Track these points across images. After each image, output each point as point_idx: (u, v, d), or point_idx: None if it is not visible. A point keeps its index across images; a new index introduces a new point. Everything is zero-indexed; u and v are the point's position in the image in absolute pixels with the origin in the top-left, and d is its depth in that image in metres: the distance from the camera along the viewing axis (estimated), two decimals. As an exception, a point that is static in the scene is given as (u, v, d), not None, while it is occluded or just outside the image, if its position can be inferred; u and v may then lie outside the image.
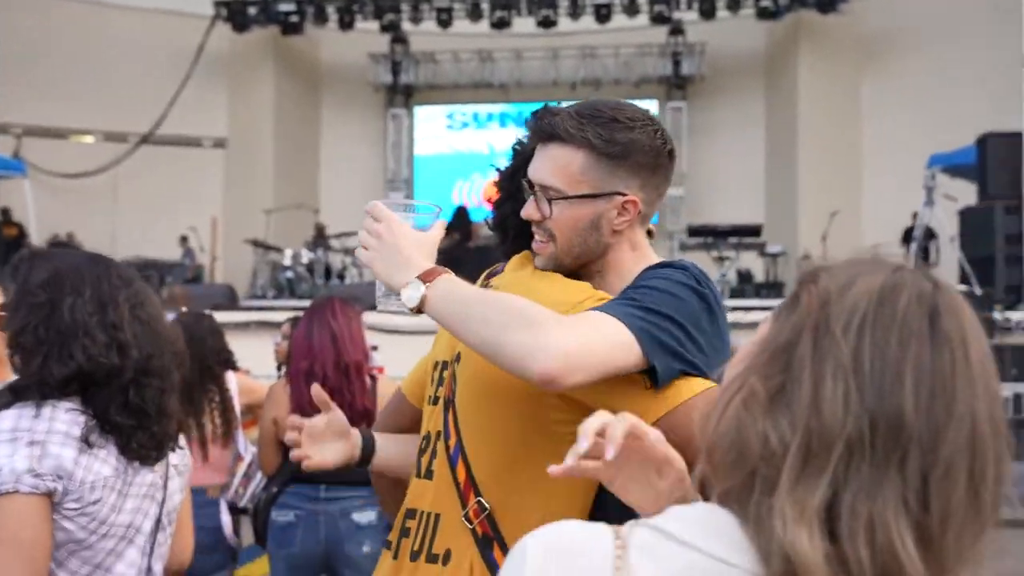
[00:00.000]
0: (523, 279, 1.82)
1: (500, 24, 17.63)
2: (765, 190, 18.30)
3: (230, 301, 13.51)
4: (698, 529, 0.93)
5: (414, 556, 1.73)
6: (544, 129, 1.76)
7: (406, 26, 18.22)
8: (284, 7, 17.87)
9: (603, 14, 17.44)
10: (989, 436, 0.92)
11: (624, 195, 1.74)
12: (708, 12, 17.39)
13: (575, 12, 17.49)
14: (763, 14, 17.39)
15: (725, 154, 18.38)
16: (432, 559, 1.70)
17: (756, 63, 18.78)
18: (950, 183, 13.89)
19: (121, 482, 1.91)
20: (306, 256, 14.61)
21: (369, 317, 10.43)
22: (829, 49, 17.32)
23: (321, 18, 18.00)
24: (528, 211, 1.79)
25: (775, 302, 7.76)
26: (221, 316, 10.63)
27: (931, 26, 16.54)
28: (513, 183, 1.94)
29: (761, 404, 0.94)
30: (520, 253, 1.94)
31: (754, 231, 15.31)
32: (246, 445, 4.35)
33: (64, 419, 1.85)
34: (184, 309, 5.53)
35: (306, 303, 6.44)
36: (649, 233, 1.88)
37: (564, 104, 1.84)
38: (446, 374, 1.85)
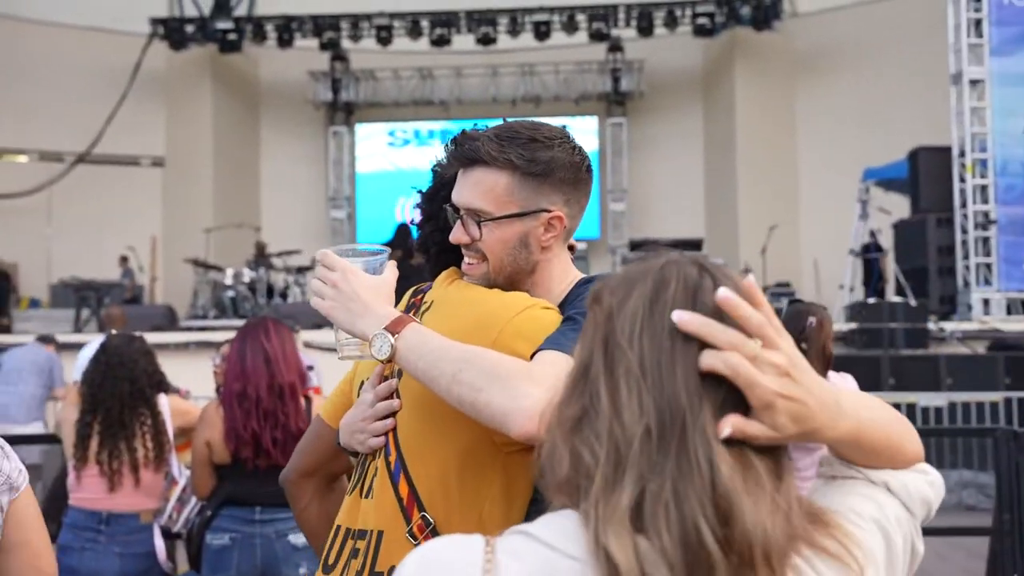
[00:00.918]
0: (461, 291, 1.83)
1: (440, 41, 17.65)
2: (705, 204, 18.50)
3: (170, 321, 13.30)
4: (558, 531, 1.00)
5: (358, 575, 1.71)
6: (466, 154, 1.78)
7: (346, 44, 18.16)
8: (222, 25, 17.72)
9: (542, 31, 17.55)
10: None
11: (550, 211, 1.78)
12: (646, 30, 17.59)
13: (515, 30, 17.58)
14: (700, 31, 17.62)
15: (665, 169, 18.56)
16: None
17: (694, 79, 19.01)
18: (884, 197, 14.17)
19: None
20: (248, 275, 14.42)
21: (308, 335, 10.34)
22: (764, 66, 17.60)
23: (259, 36, 17.87)
24: (456, 235, 1.81)
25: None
26: (161, 337, 10.52)
27: (862, 43, 16.90)
28: (433, 205, 1.97)
29: (570, 427, 1.01)
30: (446, 270, 1.94)
31: (695, 245, 15.44)
32: (180, 469, 4.26)
33: None
34: (113, 331, 5.43)
35: (244, 323, 6.34)
36: (571, 248, 1.90)
37: (487, 126, 1.86)
38: None
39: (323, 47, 18.09)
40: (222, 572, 3.81)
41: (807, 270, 15.97)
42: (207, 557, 3.85)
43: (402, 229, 15.20)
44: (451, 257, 1.95)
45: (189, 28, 17.87)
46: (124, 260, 15.89)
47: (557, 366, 1.52)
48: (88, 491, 4.04)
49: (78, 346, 9.20)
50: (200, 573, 3.95)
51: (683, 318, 1.00)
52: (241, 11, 18.52)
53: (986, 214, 12.27)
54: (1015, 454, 4.54)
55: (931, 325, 11.03)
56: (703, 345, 0.99)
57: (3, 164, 17.57)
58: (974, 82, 12.38)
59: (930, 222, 12.67)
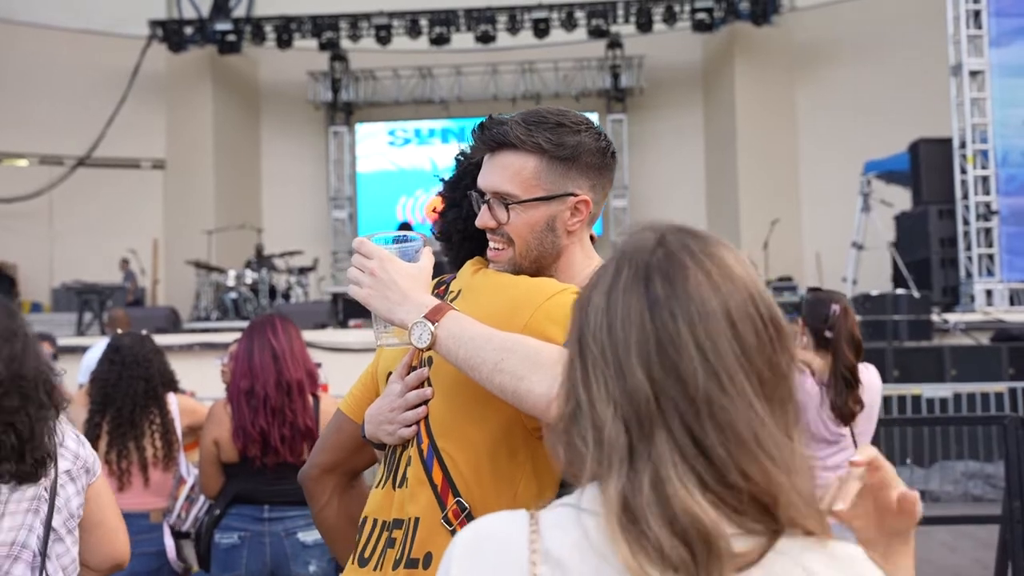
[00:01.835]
0: (490, 277, 1.84)
1: (439, 40, 17.64)
2: (706, 199, 18.49)
3: (173, 324, 13.30)
4: (594, 499, 1.00)
5: (395, 564, 1.72)
6: (494, 138, 1.79)
7: (345, 44, 18.16)
8: (221, 27, 17.71)
9: (541, 29, 17.54)
10: (711, 372, 0.97)
11: (576, 195, 1.79)
12: (645, 26, 17.58)
13: (514, 27, 17.57)
14: (699, 27, 17.61)
15: (666, 165, 18.56)
16: (411, 564, 1.69)
17: (693, 75, 19.00)
18: (885, 189, 14.16)
19: None
20: (250, 276, 14.42)
21: (311, 335, 10.34)
22: (764, 60, 17.58)
23: (259, 37, 17.87)
24: (483, 219, 1.81)
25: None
26: (164, 339, 10.52)
27: (862, 36, 16.89)
28: (456, 192, 1.96)
29: (565, 422, 1.03)
30: (470, 259, 1.94)
31: (696, 240, 15.46)
32: (188, 468, 4.26)
33: None
34: (119, 332, 5.43)
35: (248, 323, 6.34)
36: (591, 240, 1.91)
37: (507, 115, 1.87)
38: None
39: (322, 47, 18.09)
40: (231, 571, 3.81)
41: (809, 263, 15.96)
42: (216, 556, 3.84)
43: (404, 228, 15.26)
44: (474, 245, 1.95)
45: (188, 30, 17.87)
46: (125, 263, 15.89)
47: None
48: (97, 491, 4.05)
49: (81, 349, 9.22)
50: (209, 572, 3.95)
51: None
52: (240, 12, 18.52)
53: (988, 205, 12.26)
54: (1023, 441, 4.53)
55: (934, 317, 11.02)
56: (659, 337, 0.98)
57: (3, 168, 17.58)
58: (974, 73, 12.37)
59: (932, 214, 12.66)
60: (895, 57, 16.15)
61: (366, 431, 1.85)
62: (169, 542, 4.08)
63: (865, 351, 3.99)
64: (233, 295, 14.27)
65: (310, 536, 3.83)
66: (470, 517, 1.66)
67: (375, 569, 1.76)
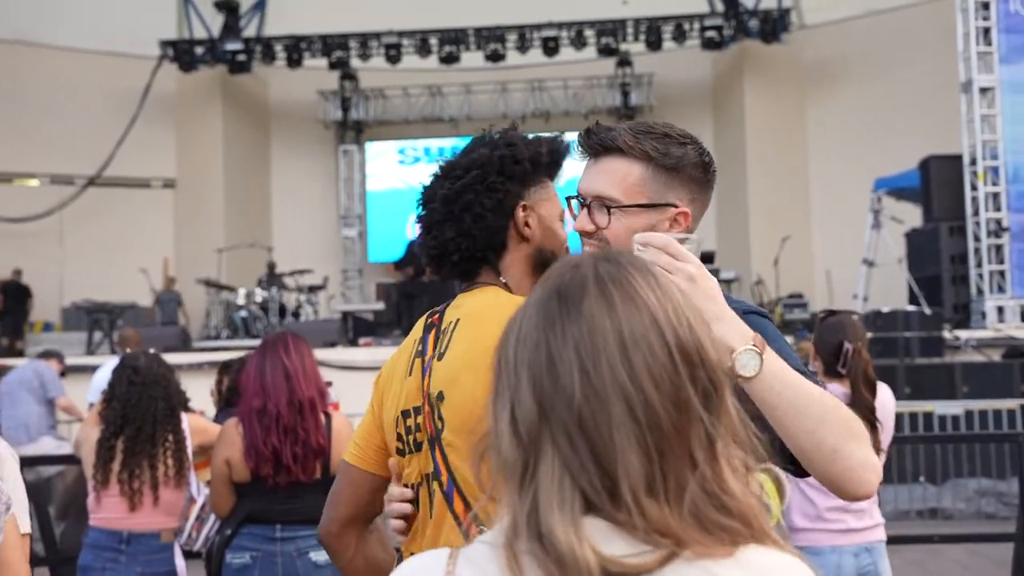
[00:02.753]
0: (486, 296, 1.87)
1: (449, 59, 17.72)
2: (716, 216, 18.46)
3: (183, 342, 13.34)
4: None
5: None
6: (602, 142, 1.80)
7: (355, 63, 18.25)
8: (231, 46, 17.83)
9: (551, 47, 17.61)
10: (592, 392, 0.98)
11: (676, 207, 1.78)
12: (654, 44, 17.63)
13: (523, 46, 17.64)
14: (708, 44, 17.66)
15: (675, 182, 18.55)
16: None
17: (703, 93, 19.04)
18: (896, 206, 14.14)
19: None
20: (260, 295, 14.47)
21: (321, 353, 10.35)
22: (774, 78, 17.61)
23: (269, 56, 17.98)
24: (581, 223, 1.81)
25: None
26: (174, 357, 10.55)
27: (871, 54, 16.91)
28: (454, 206, 1.94)
29: (482, 450, 1.07)
30: (473, 283, 1.96)
31: (707, 258, 15.39)
32: (199, 487, 4.27)
33: None
34: (128, 350, 5.46)
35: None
36: None
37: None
38: (420, 418, 1.87)
39: (332, 66, 18.18)
40: (243, 590, 3.82)
41: (820, 281, 15.93)
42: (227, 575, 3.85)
43: (413, 246, 15.26)
44: (472, 266, 1.97)
45: (199, 50, 17.99)
46: (171, 281, 16.05)
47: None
48: (109, 511, 4.06)
49: (91, 368, 9.25)
50: (221, 592, 3.95)
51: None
52: (250, 32, 18.65)
53: (999, 221, 12.24)
54: (1036, 460, 4.52)
55: (946, 333, 10.99)
56: (549, 356, 1.01)
57: (15, 188, 17.69)
58: (984, 90, 12.37)
59: (943, 230, 12.64)
60: (905, 74, 16.16)
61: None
62: (180, 562, 4.09)
63: (876, 368, 3.96)
64: (243, 313, 14.31)
65: (322, 556, 3.83)
66: None
67: None
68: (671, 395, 0.99)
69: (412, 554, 1.82)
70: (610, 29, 17.60)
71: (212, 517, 4.11)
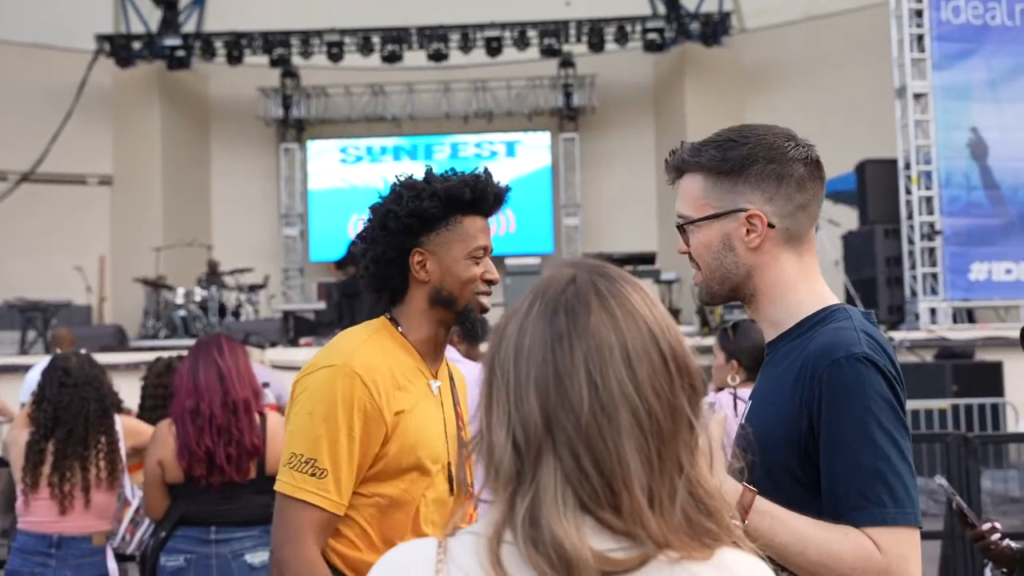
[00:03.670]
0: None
1: (391, 58, 17.65)
2: (657, 217, 18.63)
3: (119, 342, 13.12)
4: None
5: None
6: (673, 165, 1.84)
7: (296, 60, 18.09)
8: (169, 42, 17.56)
9: (494, 47, 17.62)
10: (600, 405, 1.04)
11: (746, 210, 1.74)
12: (597, 45, 17.73)
13: (466, 46, 17.63)
14: (650, 47, 17.80)
15: (618, 183, 18.68)
16: None
17: (644, 94, 19.19)
18: (833, 209, 14.37)
19: None
20: (199, 294, 14.26)
21: (270, 354, 10.18)
22: (714, 80, 17.80)
23: (208, 52, 17.75)
24: (679, 247, 1.86)
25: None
26: (110, 357, 10.39)
27: (810, 58, 17.18)
28: (362, 250, 2.24)
29: (471, 450, 1.11)
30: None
31: (648, 259, 15.55)
32: (133, 490, 4.21)
33: None
34: (58, 351, 5.36)
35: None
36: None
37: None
38: None
39: (273, 63, 18.00)
40: (177, 593, 3.77)
41: (759, 282, 16.15)
42: (161, 578, 3.81)
43: (354, 246, 15.18)
44: (378, 297, 2.24)
45: (136, 45, 17.70)
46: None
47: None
48: (38, 514, 3.99)
49: (24, 368, 9.05)
50: (154, 595, 3.90)
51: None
52: (189, 27, 18.39)
53: (932, 225, 12.51)
54: (965, 458, 4.63)
55: (880, 335, 11.19)
56: (556, 368, 1.06)
57: (-55, 184, 17.25)
58: (918, 96, 12.63)
59: (878, 233, 12.88)
60: (842, 78, 16.44)
61: None
62: (112, 565, 4.03)
63: None
64: (182, 313, 14.10)
65: (257, 558, 3.81)
66: None
67: None
68: (668, 403, 1.06)
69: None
70: (552, 30, 17.66)
71: (146, 520, 4.05)
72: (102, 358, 4.42)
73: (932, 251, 12.54)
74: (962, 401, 9.45)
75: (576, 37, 17.83)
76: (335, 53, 17.61)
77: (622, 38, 17.69)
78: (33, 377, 5.27)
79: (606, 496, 1.03)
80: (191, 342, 11.45)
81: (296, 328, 13.81)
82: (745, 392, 3.85)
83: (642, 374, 1.06)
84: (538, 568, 1.01)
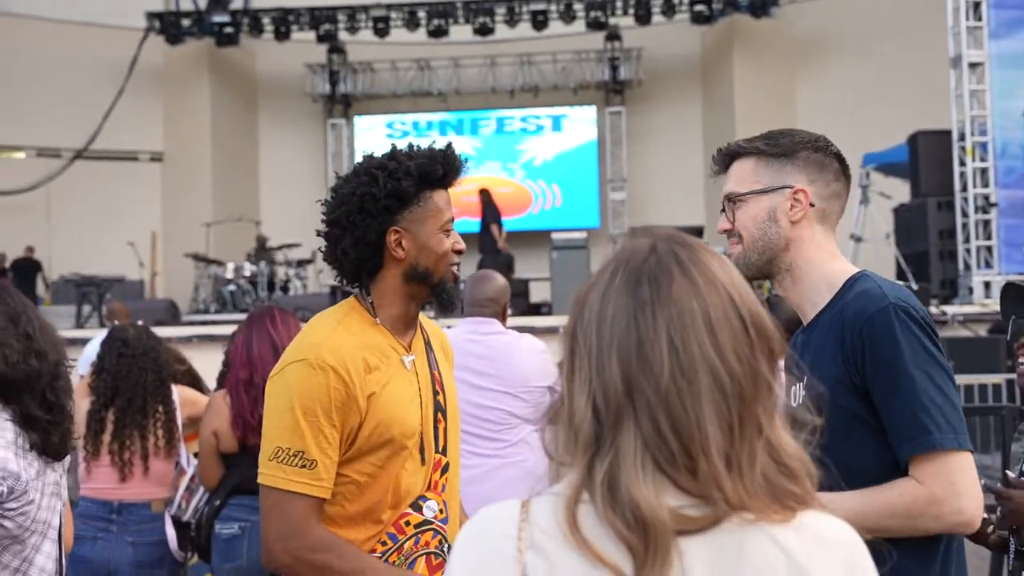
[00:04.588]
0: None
1: (437, 32, 17.63)
2: (704, 191, 18.48)
3: (172, 316, 13.32)
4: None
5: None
6: (728, 152, 2.08)
7: (343, 36, 18.15)
8: (218, 18, 17.70)
9: (540, 21, 17.53)
10: (681, 370, 1.07)
11: (793, 187, 1.99)
12: (643, 18, 17.57)
13: (512, 19, 17.56)
14: (697, 19, 17.60)
15: (665, 157, 18.55)
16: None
17: (692, 67, 18.99)
18: (884, 181, 14.16)
19: (41, 482, 2.14)
20: (248, 269, 14.43)
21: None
22: (763, 52, 17.57)
23: (256, 29, 17.85)
24: (721, 224, 2.07)
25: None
26: (163, 331, 10.53)
27: (861, 29, 16.87)
28: (331, 233, 2.27)
29: (551, 415, 1.15)
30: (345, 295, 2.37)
31: (696, 232, 15.48)
32: (188, 458, 4.29)
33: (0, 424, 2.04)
34: (116, 323, 5.46)
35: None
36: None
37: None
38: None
39: (320, 39, 18.07)
40: (232, 561, 3.83)
41: (808, 256, 15.98)
42: (216, 546, 3.86)
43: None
44: (350, 279, 2.31)
45: (185, 22, 17.85)
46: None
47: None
48: (100, 481, 4.07)
49: (80, 341, 9.22)
50: (210, 563, 3.97)
51: None
52: (237, 4, 18.50)
53: (986, 197, 12.27)
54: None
55: (933, 309, 11.04)
56: (639, 335, 1.08)
57: (1, 161, 17.57)
58: (973, 65, 12.37)
59: (931, 206, 12.67)
60: (895, 49, 16.14)
61: None
62: (171, 532, 4.11)
63: None
64: (231, 287, 14.28)
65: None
66: None
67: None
68: (749, 367, 1.09)
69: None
70: (599, 3, 17.52)
71: (201, 488, 4.13)
72: (155, 332, 4.48)
73: (987, 224, 12.30)
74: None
75: (623, 10, 17.67)
76: (381, 28, 17.63)
77: (669, 10, 17.50)
78: (92, 349, 5.38)
79: (683, 460, 1.05)
80: (241, 317, 11.62)
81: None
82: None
83: (723, 339, 1.08)
84: (615, 528, 1.03)
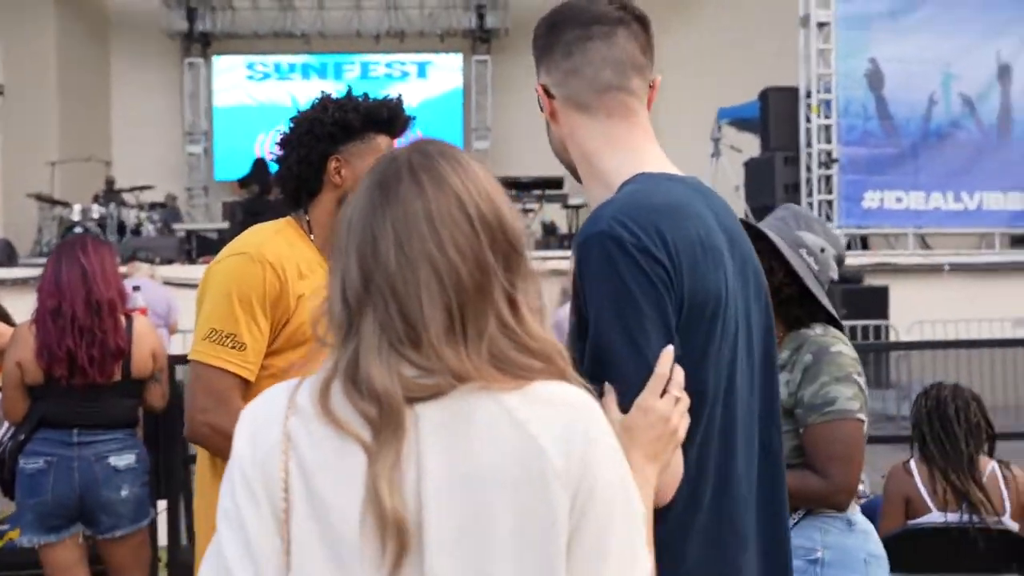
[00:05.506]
0: None
1: (300, -29, 17.13)
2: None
3: (8, 257, 12.71)
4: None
5: None
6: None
7: (201, -29, 17.45)
8: (64, -54, 16.76)
9: (406, -36, 17.22)
10: (404, 261, 1.21)
11: (537, 88, 1.74)
12: (510, -34, 17.45)
13: (378, -38, 17.20)
14: (563, -31, 17.55)
15: (529, 107, 17.78)
16: None
17: (558, 18, 18.97)
18: (737, 136, 14.52)
19: None
20: (97, 211, 13.83)
21: (164, 271, 10.00)
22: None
23: (107, -41, 16.99)
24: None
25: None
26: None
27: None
28: (284, 152, 2.50)
29: (322, 309, 1.29)
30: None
31: (556, 183, 15.56)
32: (-6, 392, 4.09)
33: None
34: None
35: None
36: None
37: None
38: None
39: (176, -27, 17.34)
40: (36, 497, 3.68)
41: (664, 208, 16.27)
42: (20, 482, 3.71)
43: (259, 163, 14.82)
44: (292, 199, 2.50)
45: (30, -51, 16.83)
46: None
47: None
48: None
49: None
50: (13, 500, 3.81)
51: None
52: (87, -67, 17.56)
53: (829, 153, 12.72)
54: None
55: (776, 260, 11.41)
56: (373, 233, 1.23)
57: None
58: (821, 24, 12.74)
59: (778, 160, 13.05)
60: (753, 5, 16.44)
61: None
62: (-28, 467, 3.92)
63: None
64: (79, 230, 13.65)
65: (122, 460, 3.75)
66: None
67: None
68: (474, 260, 1.20)
69: None
70: (466, -51, 17.30)
71: (5, 423, 3.94)
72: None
73: (828, 179, 12.77)
74: (848, 323, 9.71)
75: (489, -43, 17.50)
76: (241, -36, 17.02)
77: (535, -41, 17.42)
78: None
79: (409, 338, 1.19)
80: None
81: (199, 247, 13.53)
82: None
83: (444, 235, 1.21)
84: (352, 400, 1.18)
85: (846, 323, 9.55)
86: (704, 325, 1.53)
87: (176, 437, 4.28)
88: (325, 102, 2.50)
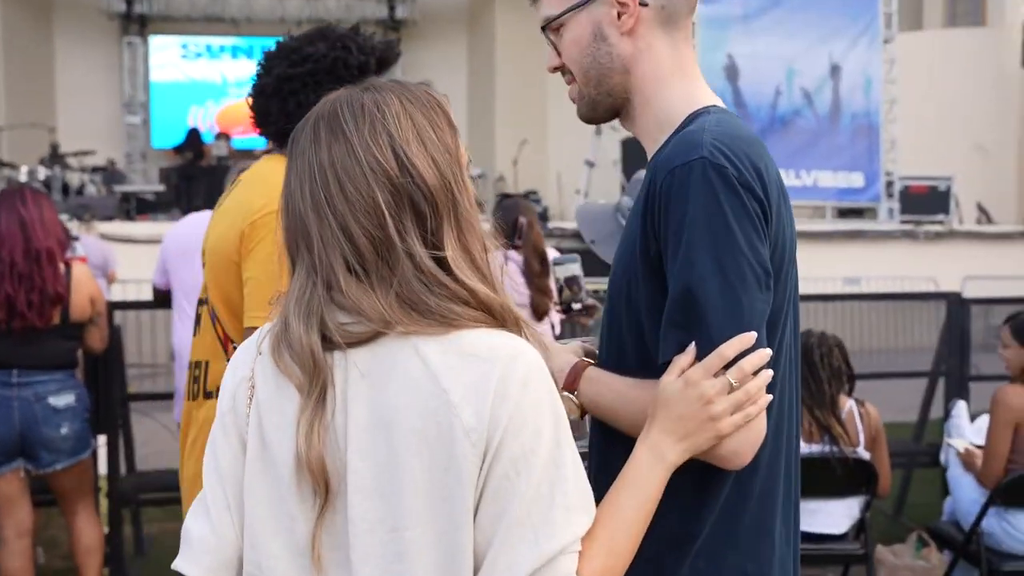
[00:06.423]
0: (262, 165, 2.02)
1: (230, -39, 16.27)
2: (467, 122, 18.32)
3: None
4: None
5: (195, 396, 1.98)
6: None
7: (138, -43, 16.41)
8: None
9: (326, -42, 16.53)
10: (304, 210, 1.10)
11: None
12: (419, -38, 16.93)
13: (301, -45, 16.46)
14: (466, -32, 17.15)
15: (436, 89, 18.14)
16: (208, 395, 1.95)
17: (460, 7, 18.59)
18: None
19: None
20: (43, 172, 12.96)
21: (102, 227, 9.50)
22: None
23: (49, -57, 15.81)
24: (549, 63, 1.42)
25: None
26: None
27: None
28: (284, 87, 1.95)
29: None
30: (278, 148, 2.03)
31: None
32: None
33: None
34: None
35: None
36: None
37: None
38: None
39: (115, -42, 16.26)
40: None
41: (552, 180, 16.17)
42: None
43: (193, 133, 14.22)
44: (285, 137, 2.12)
45: (-26, -70, 15.53)
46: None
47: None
48: None
49: None
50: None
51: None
52: (29, -83, 16.31)
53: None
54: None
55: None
56: (291, 199, 1.13)
57: None
58: (687, 24, 12.70)
59: (649, 140, 13.03)
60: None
61: None
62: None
63: (587, 252, 4.01)
64: (24, 189, 12.78)
65: (61, 400, 3.41)
66: None
67: (191, 399, 2.00)
68: (365, 210, 1.05)
69: (191, 360, 2.08)
70: (380, -54, 16.70)
71: (-54, 364, 3.54)
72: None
73: (691, 156, 12.81)
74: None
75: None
76: (175, -48, 16.06)
77: (442, -42, 16.94)
78: None
79: (329, 284, 1.07)
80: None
81: (138, 207, 12.87)
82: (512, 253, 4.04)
83: (347, 184, 1.07)
84: (287, 353, 1.08)
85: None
86: (780, 279, 1.21)
87: (113, 377, 3.94)
88: (345, 40, 1.95)
